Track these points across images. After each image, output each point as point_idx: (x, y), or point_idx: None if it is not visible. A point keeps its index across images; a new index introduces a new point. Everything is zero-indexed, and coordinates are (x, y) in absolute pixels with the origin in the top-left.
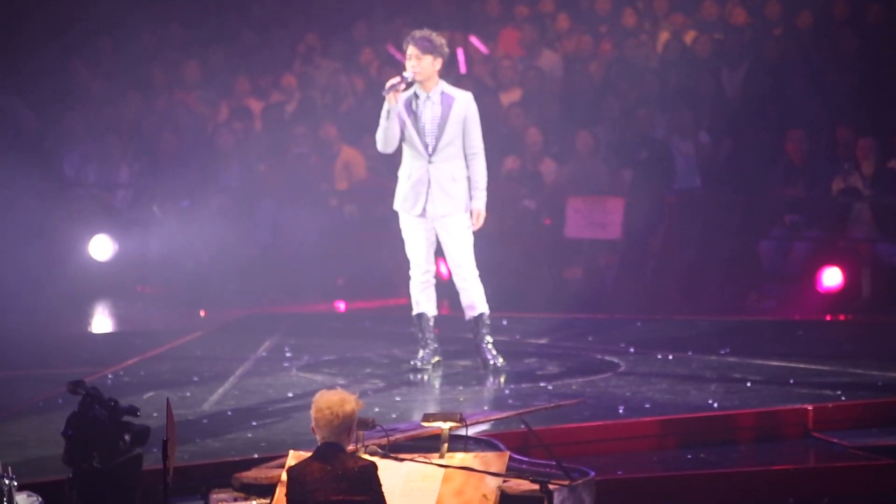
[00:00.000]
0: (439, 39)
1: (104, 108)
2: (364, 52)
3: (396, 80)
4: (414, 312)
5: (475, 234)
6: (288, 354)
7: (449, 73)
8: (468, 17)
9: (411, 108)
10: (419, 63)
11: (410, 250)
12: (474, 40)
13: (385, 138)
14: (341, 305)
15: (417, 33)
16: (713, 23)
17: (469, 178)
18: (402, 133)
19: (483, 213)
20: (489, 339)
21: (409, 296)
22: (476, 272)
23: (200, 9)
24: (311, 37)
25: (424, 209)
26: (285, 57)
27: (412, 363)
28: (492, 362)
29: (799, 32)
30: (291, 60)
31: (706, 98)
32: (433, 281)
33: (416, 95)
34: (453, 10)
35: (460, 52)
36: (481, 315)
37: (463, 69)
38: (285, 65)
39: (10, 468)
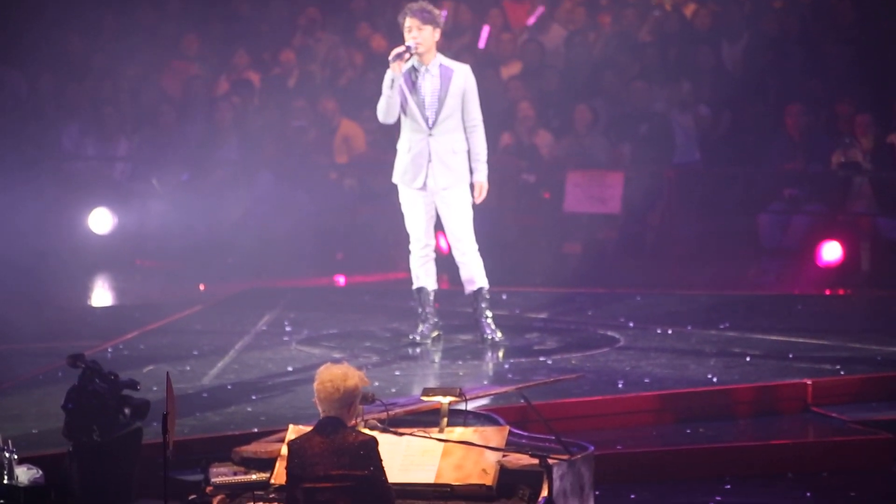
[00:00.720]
0: (436, 10)
1: (103, 81)
2: (362, 25)
3: (402, 48)
4: (414, 286)
5: (476, 207)
6: (287, 328)
7: (467, 48)
8: None
9: (411, 80)
10: (420, 34)
11: (410, 224)
12: (507, 5)
13: (387, 108)
14: (341, 279)
15: (415, 5)
16: None
17: (469, 151)
18: (403, 106)
19: (485, 186)
20: (489, 313)
21: (408, 270)
22: (475, 246)
23: None
24: (312, 10)
25: (425, 183)
26: (284, 30)
27: (411, 337)
28: (489, 336)
29: (798, 5)
30: (291, 34)
31: (706, 71)
32: (433, 255)
33: (414, 69)
34: None
35: (485, 29)
36: (480, 289)
37: (482, 44)
38: (284, 38)
39: (10, 441)
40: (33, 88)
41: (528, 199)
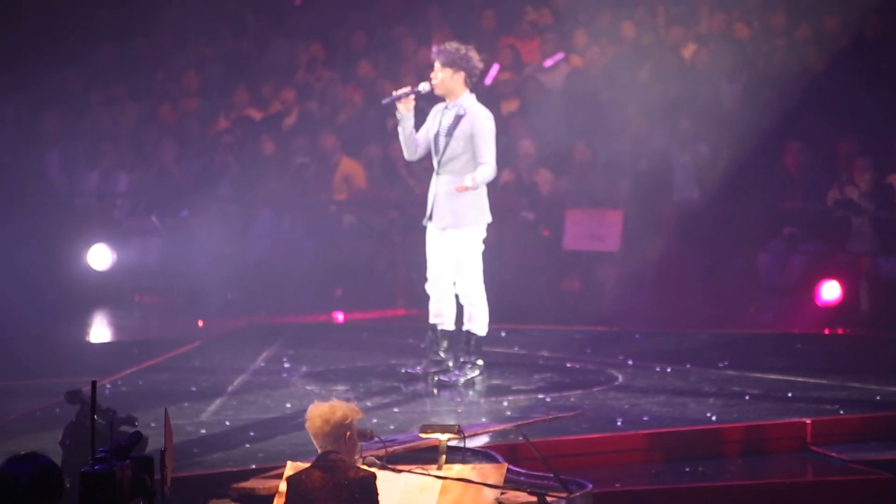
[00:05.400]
0: (463, 53)
1: (103, 117)
2: (362, 63)
3: (405, 90)
4: (430, 321)
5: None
6: (286, 365)
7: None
8: (465, 28)
9: (437, 118)
10: (436, 75)
11: (427, 256)
12: (517, 43)
13: (403, 145)
14: (339, 316)
15: (443, 45)
16: (712, 36)
17: (475, 192)
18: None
19: (471, 182)
20: (470, 359)
21: (405, 307)
22: (477, 291)
23: (198, 18)
24: (314, 46)
25: (431, 218)
26: (285, 67)
27: (404, 371)
28: (446, 379)
29: (799, 45)
30: (292, 70)
31: (705, 109)
32: (445, 292)
33: (446, 108)
34: (451, 21)
35: (494, 67)
36: (469, 333)
37: (488, 81)
38: (285, 75)
39: None
40: (33, 124)
41: (527, 237)
